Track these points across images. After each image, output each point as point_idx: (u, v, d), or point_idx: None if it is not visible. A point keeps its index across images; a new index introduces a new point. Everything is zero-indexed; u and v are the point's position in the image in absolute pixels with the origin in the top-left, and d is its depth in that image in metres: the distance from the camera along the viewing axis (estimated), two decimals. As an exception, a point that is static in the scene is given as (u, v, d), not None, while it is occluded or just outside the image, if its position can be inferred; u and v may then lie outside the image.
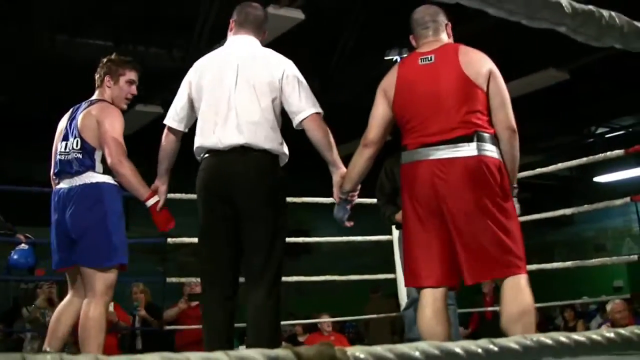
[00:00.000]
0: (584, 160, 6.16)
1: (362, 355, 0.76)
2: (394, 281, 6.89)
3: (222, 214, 3.60)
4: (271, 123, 3.62)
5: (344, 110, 8.15)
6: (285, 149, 3.70)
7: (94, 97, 4.31)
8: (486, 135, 3.25)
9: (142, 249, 13.86)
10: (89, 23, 9.50)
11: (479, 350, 0.85)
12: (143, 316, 7.69)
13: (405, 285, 3.60)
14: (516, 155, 3.34)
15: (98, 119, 4.11)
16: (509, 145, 3.31)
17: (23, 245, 5.40)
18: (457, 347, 0.82)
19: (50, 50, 8.97)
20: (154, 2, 9.18)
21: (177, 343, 7.74)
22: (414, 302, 5.47)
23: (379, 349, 0.77)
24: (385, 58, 9.96)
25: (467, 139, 3.22)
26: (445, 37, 3.52)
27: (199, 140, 3.68)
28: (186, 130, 3.87)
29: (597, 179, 15.70)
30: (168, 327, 7.54)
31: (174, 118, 3.84)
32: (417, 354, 0.78)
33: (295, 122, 3.68)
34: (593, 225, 16.89)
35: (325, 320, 9.46)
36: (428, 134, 3.29)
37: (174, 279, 6.77)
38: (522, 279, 3.21)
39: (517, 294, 3.18)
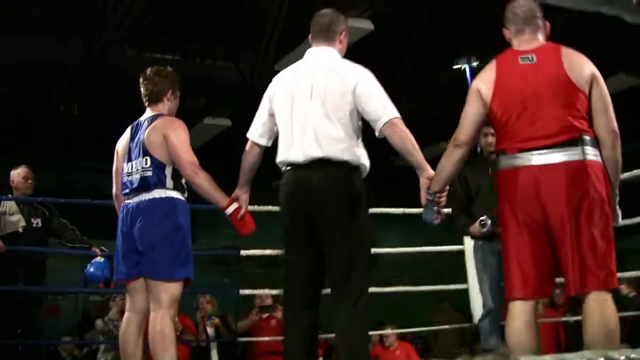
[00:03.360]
0: (657, 166, 5.97)
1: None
2: (461, 292, 6.75)
3: (303, 227, 3.58)
4: (349, 134, 3.57)
5: (413, 119, 8.10)
6: (365, 160, 3.65)
7: (150, 112, 4.26)
8: (589, 138, 3.14)
9: (208, 262, 13.95)
10: (157, 37, 9.64)
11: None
12: (217, 325, 7.70)
13: (506, 297, 3.40)
14: (619, 159, 3.22)
15: (164, 133, 4.08)
16: (613, 150, 3.19)
17: (99, 258, 5.45)
18: (621, 355, 0.77)
19: (120, 65, 9.11)
20: (221, 16, 9.27)
21: (249, 354, 7.81)
22: (489, 313, 5.37)
23: (547, 358, 0.72)
24: (454, 67, 9.91)
25: (572, 143, 3.10)
26: (542, 37, 3.37)
27: (281, 155, 3.69)
28: (269, 144, 3.86)
29: (670, 185, 15.32)
30: (241, 339, 7.59)
31: (256, 132, 3.83)
32: (581, 362, 0.73)
33: (376, 131, 3.60)
34: (668, 232, 16.46)
35: (389, 332, 9.36)
36: (528, 138, 3.16)
37: (246, 291, 6.79)
38: (609, 295, 3.06)
39: (604, 311, 3.04)
